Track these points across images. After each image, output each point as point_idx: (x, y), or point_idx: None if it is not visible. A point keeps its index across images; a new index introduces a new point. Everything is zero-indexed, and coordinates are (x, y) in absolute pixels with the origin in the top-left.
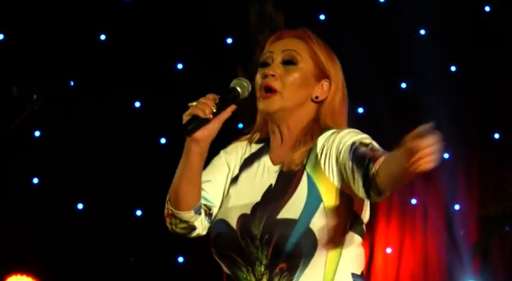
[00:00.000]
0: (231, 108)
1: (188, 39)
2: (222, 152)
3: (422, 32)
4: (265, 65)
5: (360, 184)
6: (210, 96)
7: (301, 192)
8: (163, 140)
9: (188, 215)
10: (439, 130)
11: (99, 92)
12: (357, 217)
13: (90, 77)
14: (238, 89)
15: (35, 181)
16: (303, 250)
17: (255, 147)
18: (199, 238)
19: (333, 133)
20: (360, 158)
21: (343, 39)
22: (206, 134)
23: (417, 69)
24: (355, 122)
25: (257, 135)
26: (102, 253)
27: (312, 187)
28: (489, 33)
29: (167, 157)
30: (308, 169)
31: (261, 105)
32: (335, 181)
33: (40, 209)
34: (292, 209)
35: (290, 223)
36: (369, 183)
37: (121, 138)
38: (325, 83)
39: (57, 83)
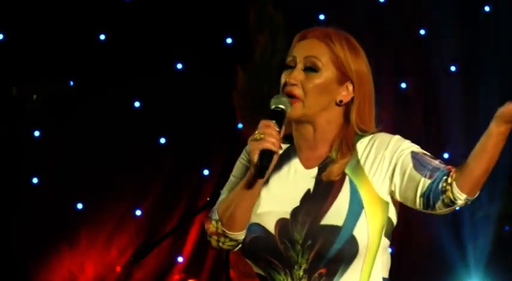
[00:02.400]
0: (283, 131)
1: (188, 39)
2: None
3: (422, 32)
4: (289, 68)
5: (424, 193)
6: (270, 124)
7: (344, 198)
8: (163, 140)
9: (241, 234)
10: (439, 130)
11: (99, 92)
12: (390, 222)
13: (90, 77)
14: (283, 107)
15: (35, 180)
16: (345, 256)
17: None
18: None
19: (372, 138)
20: (431, 168)
21: None
22: (274, 163)
23: (417, 69)
24: None
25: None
26: (102, 253)
27: (354, 193)
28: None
29: (167, 157)
30: (350, 174)
31: None
32: (378, 187)
33: (40, 209)
34: (335, 215)
35: (334, 229)
36: (440, 193)
37: (121, 139)
38: (349, 85)
39: (57, 83)
